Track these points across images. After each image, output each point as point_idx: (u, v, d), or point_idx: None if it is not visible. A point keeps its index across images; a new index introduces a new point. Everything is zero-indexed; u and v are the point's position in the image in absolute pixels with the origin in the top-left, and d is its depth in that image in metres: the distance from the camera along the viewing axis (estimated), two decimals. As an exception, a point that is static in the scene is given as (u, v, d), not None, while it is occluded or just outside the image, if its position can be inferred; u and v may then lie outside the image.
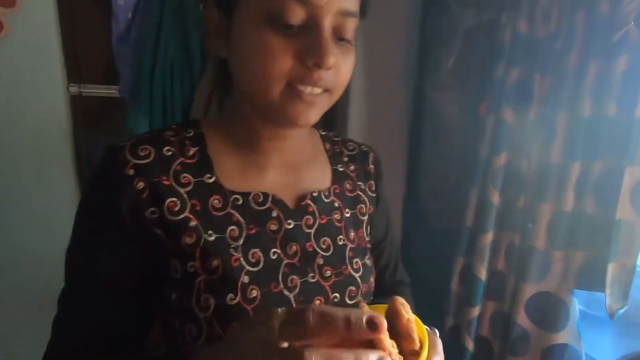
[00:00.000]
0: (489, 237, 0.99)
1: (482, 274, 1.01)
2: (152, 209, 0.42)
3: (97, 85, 1.14)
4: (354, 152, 0.59)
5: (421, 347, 0.34)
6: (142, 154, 0.43)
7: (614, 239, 0.79)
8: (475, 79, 1.03)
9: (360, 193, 0.56)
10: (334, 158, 0.56)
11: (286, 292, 0.45)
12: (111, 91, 1.16)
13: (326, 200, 0.51)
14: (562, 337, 0.89)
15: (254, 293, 0.43)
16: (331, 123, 1.34)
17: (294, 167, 0.51)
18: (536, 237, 0.90)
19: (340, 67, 0.43)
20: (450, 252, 1.13)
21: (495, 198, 0.97)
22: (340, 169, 0.56)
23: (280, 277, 0.45)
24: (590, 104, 0.80)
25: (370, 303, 0.53)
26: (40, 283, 1.14)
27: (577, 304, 0.90)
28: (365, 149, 0.60)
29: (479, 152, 1.00)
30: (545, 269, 0.90)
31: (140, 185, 0.42)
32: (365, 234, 0.55)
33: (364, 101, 1.28)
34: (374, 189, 0.59)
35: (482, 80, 1.01)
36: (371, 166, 0.59)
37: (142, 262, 0.43)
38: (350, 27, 0.42)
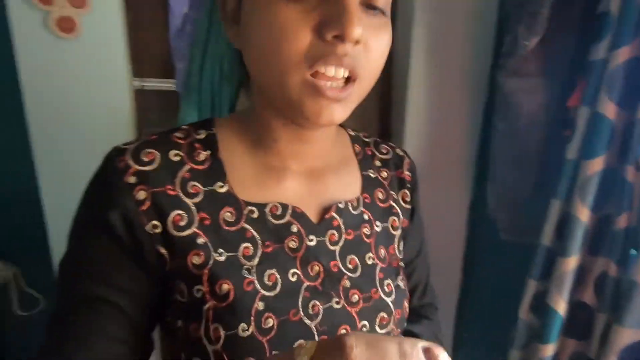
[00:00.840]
0: (572, 262, 0.79)
1: (560, 306, 0.81)
2: (153, 222, 0.36)
3: (158, 79, 1.19)
4: (388, 156, 0.50)
5: None
6: (146, 159, 0.37)
7: None
8: (565, 62, 0.82)
9: (393, 203, 0.48)
10: (364, 162, 0.48)
11: (307, 320, 0.38)
12: (170, 85, 1.20)
13: (354, 212, 0.44)
14: (672, 404, 0.67)
15: (270, 322, 0.37)
16: (386, 114, 1.22)
17: (317, 173, 0.44)
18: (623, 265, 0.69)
19: (371, 44, 0.34)
20: (521, 272, 0.95)
21: (584, 214, 0.76)
22: (372, 175, 0.48)
23: (300, 303, 0.39)
24: None
25: None
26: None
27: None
28: (401, 153, 0.52)
29: (565, 155, 0.80)
30: (651, 312, 0.69)
31: (142, 195, 0.36)
32: (397, 251, 0.47)
33: (426, 89, 1.13)
34: (408, 199, 0.50)
35: (574, 63, 0.80)
36: (407, 173, 0.50)
37: (143, 284, 0.38)
38: None
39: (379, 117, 1.20)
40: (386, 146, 0.51)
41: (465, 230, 1.28)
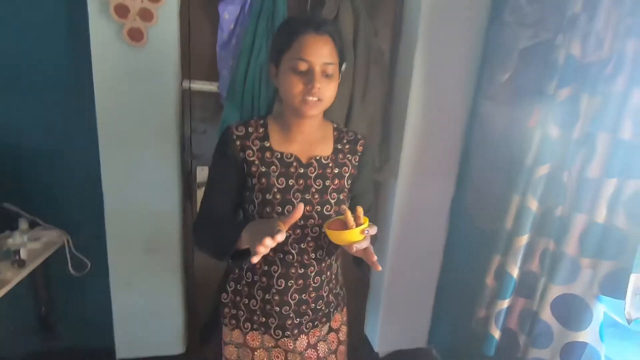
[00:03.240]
0: (524, 239, 1.09)
1: (514, 271, 1.11)
2: (242, 155, 0.86)
3: (203, 82, 1.43)
4: (352, 138, 0.95)
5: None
6: (240, 131, 0.87)
7: (639, 252, 0.86)
8: (527, 94, 1.12)
9: (347, 161, 0.93)
10: (337, 140, 0.94)
11: (294, 200, 0.86)
12: (212, 87, 1.44)
13: (324, 162, 0.90)
14: (584, 336, 0.98)
15: (279, 196, 0.86)
16: (388, 123, 1.50)
17: (309, 141, 0.90)
18: (568, 243, 0.99)
19: (325, 89, 0.81)
20: (489, 251, 1.25)
21: (534, 205, 1.06)
22: (339, 147, 0.93)
23: (292, 193, 0.86)
24: (631, 128, 0.87)
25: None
26: (148, 232, 1.49)
27: (601, 309, 0.97)
28: (360, 137, 0.96)
29: (523, 162, 1.10)
30: (574, 273, 0.99)
31: (238, 144, 0.86)
32: (345, 183, 0.92)
33: (422, 106, 1.41)
34: (357, 160, 0.94)
35: (533, 95, 1.09)
36: (359, 148, 0.95)
37: (238, 177, 0.87)
38: (330, 69, 0.81)
39: (384, 121, 1.48)
40: (352, 133, 0.96)
41: (448, 219, 1.58)
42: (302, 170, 0.87)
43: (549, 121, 1.03)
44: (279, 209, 0.84)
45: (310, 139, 0.90)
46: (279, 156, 0.87)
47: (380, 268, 0.76)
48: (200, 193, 1.52)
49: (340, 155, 0.92)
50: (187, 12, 1.36)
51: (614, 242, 0.91)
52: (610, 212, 0.91)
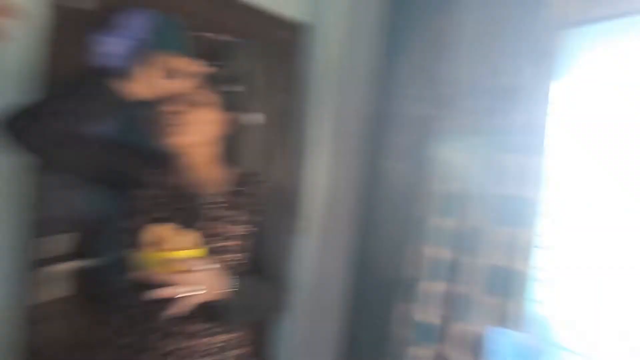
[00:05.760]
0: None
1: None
2: None
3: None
4: (250, 179, 0.86)
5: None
6: None
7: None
8: (421, 157, 1.31)
9: (245, 204, 0.82)
10: (233, 181, 0.84)
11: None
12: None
13: (218, 200, 0.81)
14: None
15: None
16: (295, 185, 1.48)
17: (200, 177, 0.82)
18: (465, 284, 1.15)
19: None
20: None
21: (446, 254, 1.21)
22: (236, 189, 0.84)
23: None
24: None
25: None
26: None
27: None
28: (260, 179, 0.86)
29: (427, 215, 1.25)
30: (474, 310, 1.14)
31: None
32: (240, 231, 0.80)
33: (324, 169, 1.48)
34: (259, 205, 0.83)
35: (426, 159, 1.29)
36: (260, 190, 0.85)
37: None
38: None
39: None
40: (252, 174, 0.86)
41: (346, 269, 1.61)
42: (188, 204, 0.79)
43: (446, 180, 1.22)
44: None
45: (200, 174, 0.81)
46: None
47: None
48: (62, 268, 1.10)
49: (238, 199, 0.81)
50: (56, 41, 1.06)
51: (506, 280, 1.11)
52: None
